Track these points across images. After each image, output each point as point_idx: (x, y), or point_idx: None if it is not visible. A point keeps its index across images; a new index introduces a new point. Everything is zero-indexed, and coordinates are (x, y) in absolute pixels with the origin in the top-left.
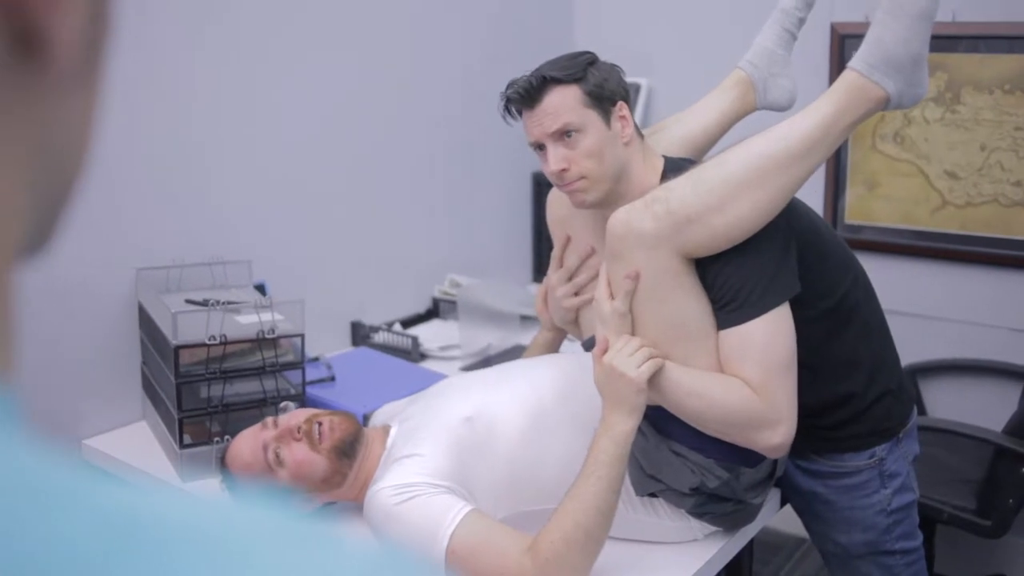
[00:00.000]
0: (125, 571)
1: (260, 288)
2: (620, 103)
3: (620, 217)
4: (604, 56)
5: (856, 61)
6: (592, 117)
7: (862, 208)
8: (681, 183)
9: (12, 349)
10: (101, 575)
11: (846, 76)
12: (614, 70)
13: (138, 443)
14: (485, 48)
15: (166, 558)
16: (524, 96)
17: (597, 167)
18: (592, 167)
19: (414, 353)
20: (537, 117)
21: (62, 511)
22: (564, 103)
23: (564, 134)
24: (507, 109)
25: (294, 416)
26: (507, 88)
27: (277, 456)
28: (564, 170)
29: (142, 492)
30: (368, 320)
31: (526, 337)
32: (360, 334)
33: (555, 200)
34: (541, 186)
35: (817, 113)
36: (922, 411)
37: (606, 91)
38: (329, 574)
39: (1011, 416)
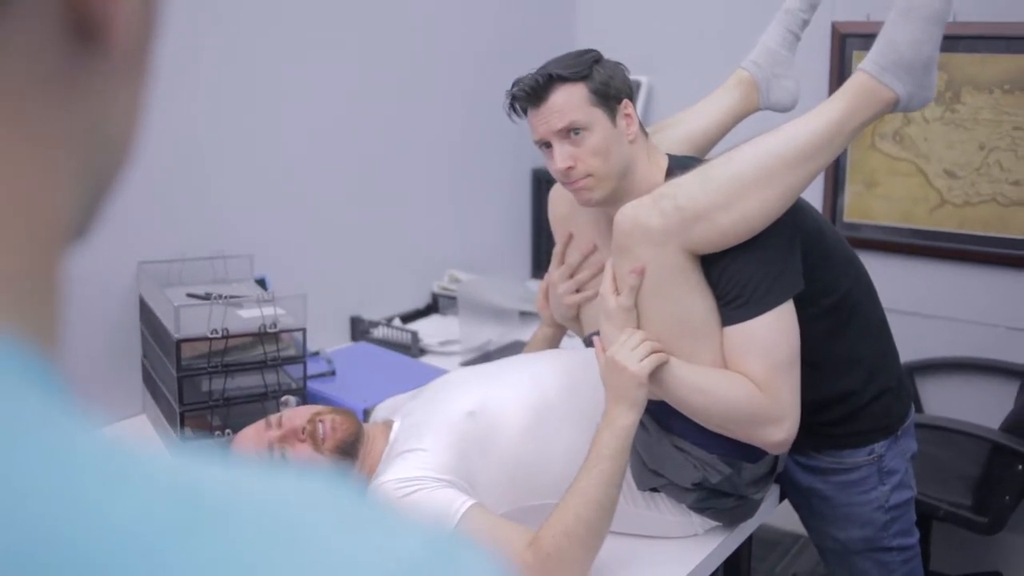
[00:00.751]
0: (187, 546)
1: (261, 282)
2: (625, 101)
3: (628, 213)
4: (605, 53)
5: (867, 63)
6: (598, 115)
7: (861, 206)
8: (689, 180)
9: (60, 328)
10: (163, 551)
11: (856, 77)
12: (619, 68)
13: (138, 436)
14: (486, 44)
15: (229, 534)
16: (530, 94)
17: (603, 165)
18: (598, 165)
19: (414, 348)
20: (543, 115)
21: (122, 488)
22: (570, 101)
23: (570, 132)
24: (512, 107)
25: (297, 415)
26: (512, 86)
27: (283, 457)
28: (570, 168)
29: (201, 465)
30: (367, 315)
31: (525, 333)
32: (360, 329)
33: (557, 197)
34: (541, 182)
35: (826, 114)
36: (919, 409)
37: (611, 89)
38: (391, 553)
39: (1008, 414)
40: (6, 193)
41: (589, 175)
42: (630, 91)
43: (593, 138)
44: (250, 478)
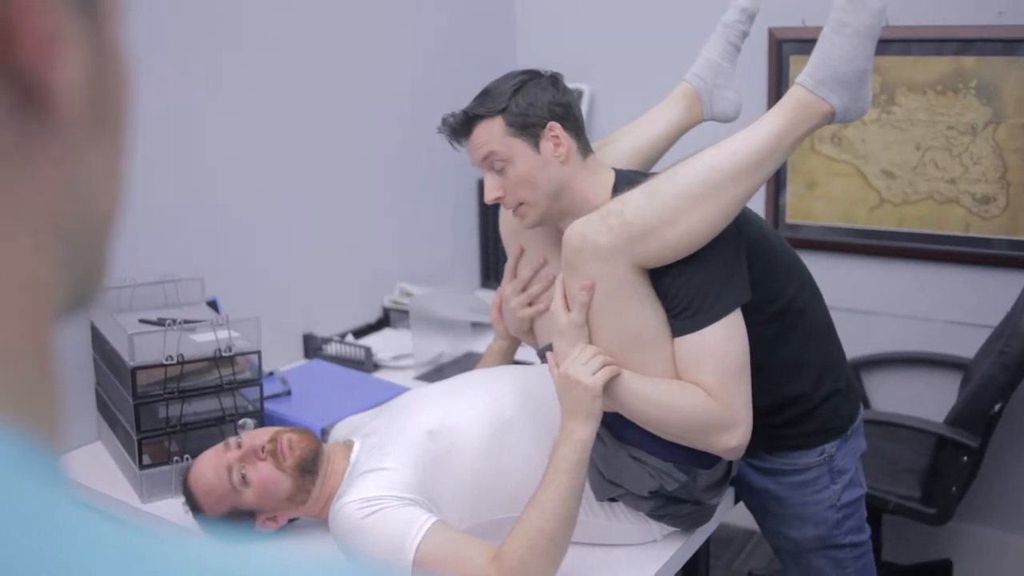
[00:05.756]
0: None
1: (212, 304)
2: (550, 124)
3: (577, 230)
4: (545, 62)
5: (803, 77)
6: (518, 146)
7: (802, 208)
8: (636, 196)
9: (59, 415)
10: None
11: (794, 91)
12: (545, 90)
13: (95, 465)
14: (427, 55)
15: None
16: (454, 132)
17: (529, 194)
18: (524, 195)
19: (367, 364)
20: (470, 150)
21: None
22: (490, 136)
23: (494, 163)
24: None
25: (256, 436)
26: (441, 123)
27: (243, 477)
28: (500, 197)
29: (231, 548)
30: (320, 332)
31: (478, 344)
32: (312, 346)
33: (507, 213)
34: None
35: (766, 127)
36: (866, 404)
37: (531, 117)
38: None
39: (952, 407)
40: None
41: (520, 204)
42: (562, 110)
43: (515, 169)
44: (269, 558)
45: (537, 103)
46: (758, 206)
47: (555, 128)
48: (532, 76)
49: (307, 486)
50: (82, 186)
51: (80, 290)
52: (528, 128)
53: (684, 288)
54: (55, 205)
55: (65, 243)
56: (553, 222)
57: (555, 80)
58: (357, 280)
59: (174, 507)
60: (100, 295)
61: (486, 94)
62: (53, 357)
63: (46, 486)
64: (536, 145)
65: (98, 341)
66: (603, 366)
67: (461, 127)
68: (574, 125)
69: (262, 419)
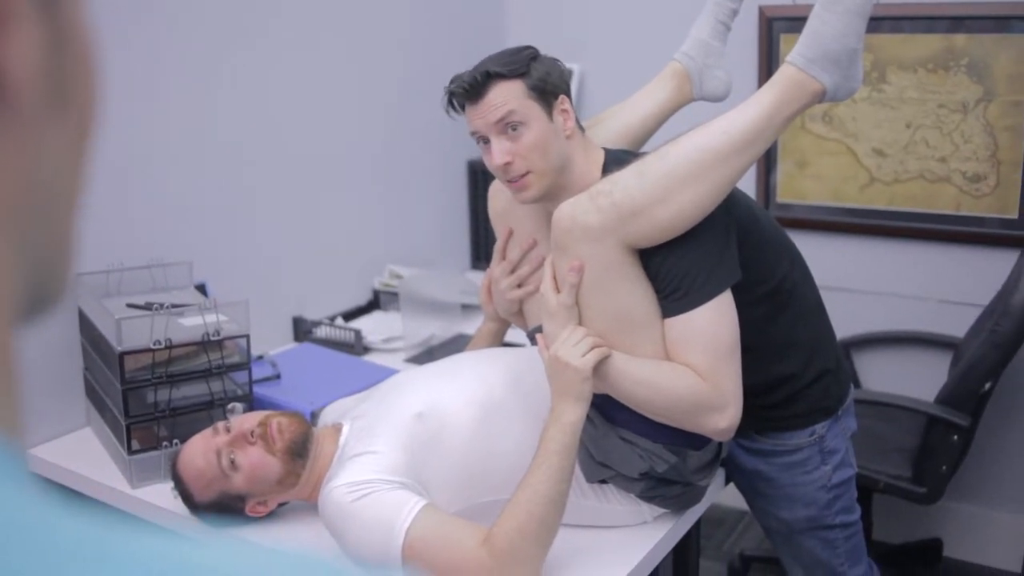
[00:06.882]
0: None
1: (201, 288)
2: (562, 96)
3: (566, 211)
4: (535, 42)
5: (794, 55)
6: (536, 110)
7: (792, 187)
8: (625, 176)
9: (20, 410)
10: None
11: (785, 70)
12: (556, 64)
13: (84, 450)
14: (415, 34)
15: None
16: (468, 91)
17: (541, 160)
18: (536, 160)
19: (357, 346)
20: (481, 110)
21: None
22: (508, 97)
23: (508, 127)
24: (450, 103)
25: (246, 420)
26: (450, 83)
27: (232, 462)
28: (508, 163)
29: (189, 544)
30: (310, 315)
31: (468, 326)
32: (302, 329)
33: (496, 193)
34: (477, 174)
35: (757, 106)
36: (857, 384)
37: (548, 85)
38: None
39: (942, 386)
40: None
41: (528, 171)
42: (567, 87)
43: (530, 134)
44: (250, 554)
45: (553, 73)
46: (748, 185)
47: (565, 102)
48: (537, 50)
49: (297, 470)
50: (43, 176)
51: (43, 285)
52: (545, 95)
53: (674, 269)
54: (14, 196)
55: (25, 236)
56: (550, 199)
57: (556, 60)
58: (347, 262)
59: (163, 492)
60: (65, 289)
61: (497, 59)
62: (13, 355)
63: (15, 486)
64: (550, 114)
65: (86, 326)
66: (593, 347)
67: (478, 85)
68: (573, 104)
69: (251, 403)
